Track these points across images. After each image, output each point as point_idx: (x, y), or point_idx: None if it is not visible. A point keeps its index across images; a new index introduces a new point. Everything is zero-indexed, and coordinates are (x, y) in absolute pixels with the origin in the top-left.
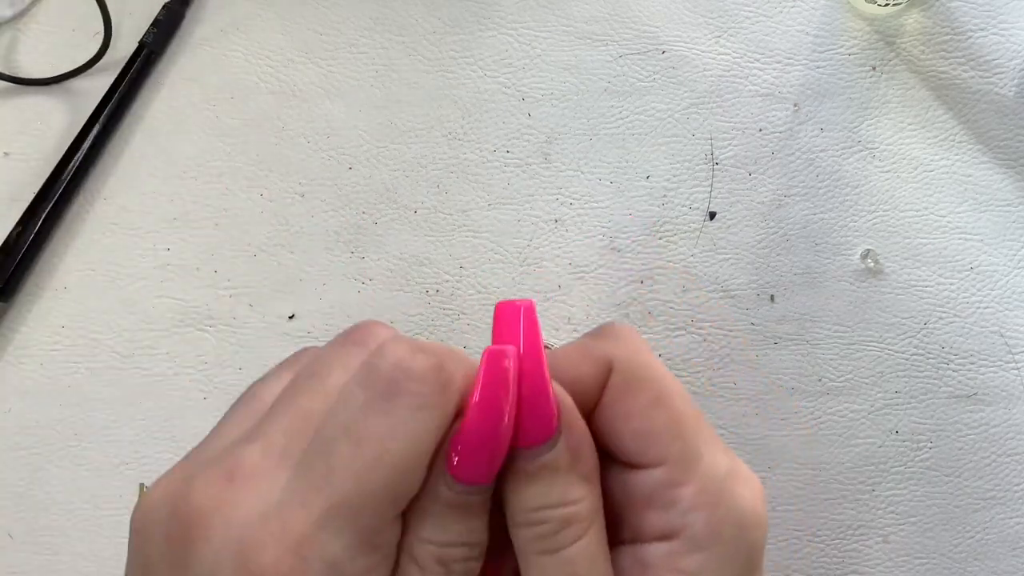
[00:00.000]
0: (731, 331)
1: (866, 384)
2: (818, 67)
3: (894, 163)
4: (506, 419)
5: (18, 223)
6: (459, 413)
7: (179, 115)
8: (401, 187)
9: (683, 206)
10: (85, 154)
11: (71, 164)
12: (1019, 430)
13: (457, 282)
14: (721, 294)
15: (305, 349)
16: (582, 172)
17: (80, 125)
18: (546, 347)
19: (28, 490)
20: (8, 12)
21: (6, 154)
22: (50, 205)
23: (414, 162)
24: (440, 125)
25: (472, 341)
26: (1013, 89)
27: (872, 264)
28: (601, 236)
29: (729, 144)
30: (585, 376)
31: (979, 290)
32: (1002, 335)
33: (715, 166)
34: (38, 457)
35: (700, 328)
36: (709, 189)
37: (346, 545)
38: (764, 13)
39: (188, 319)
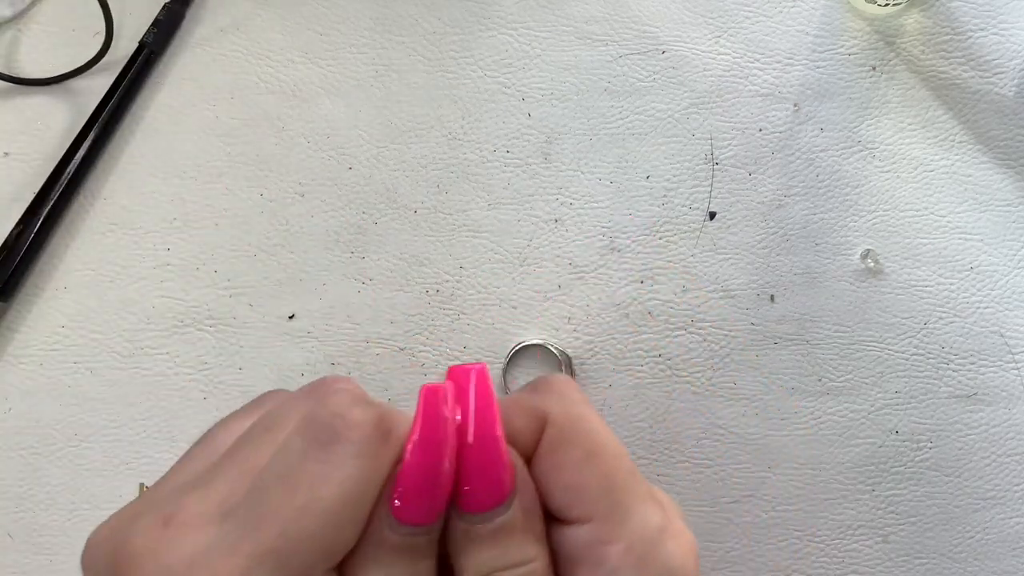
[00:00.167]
0: (731, 331)
1: (866, 384)
2: (818, 67)
3: (894, 163)
4: (446, 460)
5: (18, 223)
6: (398, 463)
7: (179, 115)
8: (401, 187)
9: (683, 206)
10: (85, 154)
11: (71, 164)
12: (1019, 430)
13: (457, 282)
14: (721, 294)
15: (272, 393)
16: (582, 172)
17: (80, 125)
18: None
19: (28, 490)
20: (8, 12)
21: (6, 154)
22: (50, 205)
23: (414, 162)
24: (440, 125)
25: (472, 341)
26: (1013, 89)
27: (872, 264)
28: (601, 236)
29: (729, 144)
30: (521, 430)
31: (979, 290)
32: (1002, 335)
33: (715, 166)
34: (38, 457)
35: (700, 328)
36: (709, 189)
37: None
38: (764, 13)
39: (188, 319)
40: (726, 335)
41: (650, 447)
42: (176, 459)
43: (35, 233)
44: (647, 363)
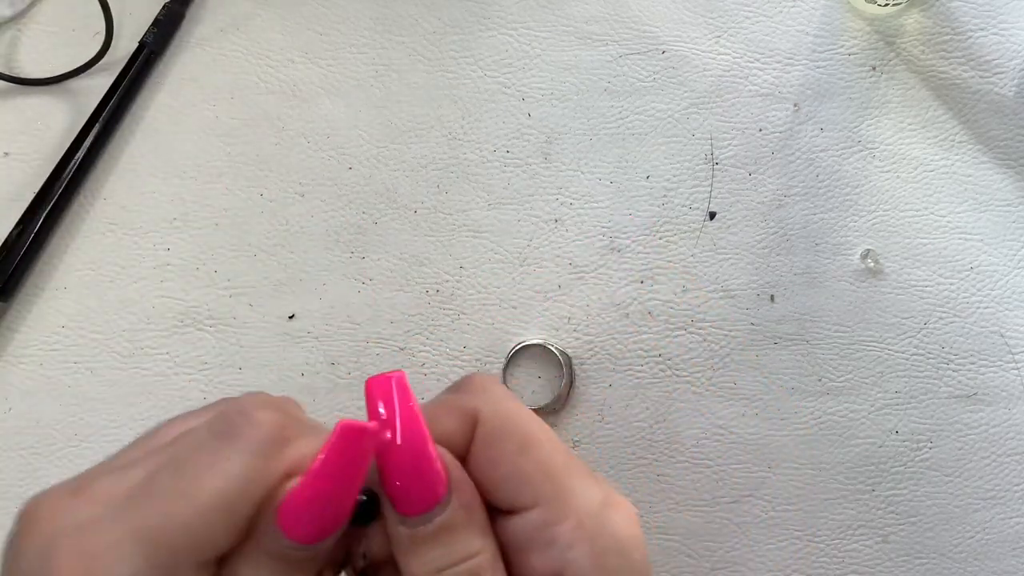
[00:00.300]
0: (731, 331)
1: (866, 384)
2: (818, 67)
3: (894, 163)
4: (348, 494)
5: (18, 223)
6: (292, 474)
7: (179, 115)
8: (401, 187)
9: (683, 206)
10: (85, 154)
11: (71, 164)
12: (1019, 430)
13: (457, 282)
14: (721, 294)
15: (224, 399)
16: (582, 172)
17: (80, 125)
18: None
19: (28, 490)
20: (8, 12)
21: (6, 154)
22: (50, 205)
23: (414, 162)
24: (440, 125)
25: (472, 341)
26: (1013, 89)
27: (872, 264)
28: (601, 236)
29: (729, 144)
30: (452, 431)
31: (979, 290)
32: (1002, 335)
33: (715, 166)
34: (38, 457)
35: (700, 328)
36: (709, 189)
37: (133, 572)
38: (764, 13)
39: (188, 319)
40: (726, 335)
41: (650, 447)
42: None
43: (35, 233)
44: (647, 363)
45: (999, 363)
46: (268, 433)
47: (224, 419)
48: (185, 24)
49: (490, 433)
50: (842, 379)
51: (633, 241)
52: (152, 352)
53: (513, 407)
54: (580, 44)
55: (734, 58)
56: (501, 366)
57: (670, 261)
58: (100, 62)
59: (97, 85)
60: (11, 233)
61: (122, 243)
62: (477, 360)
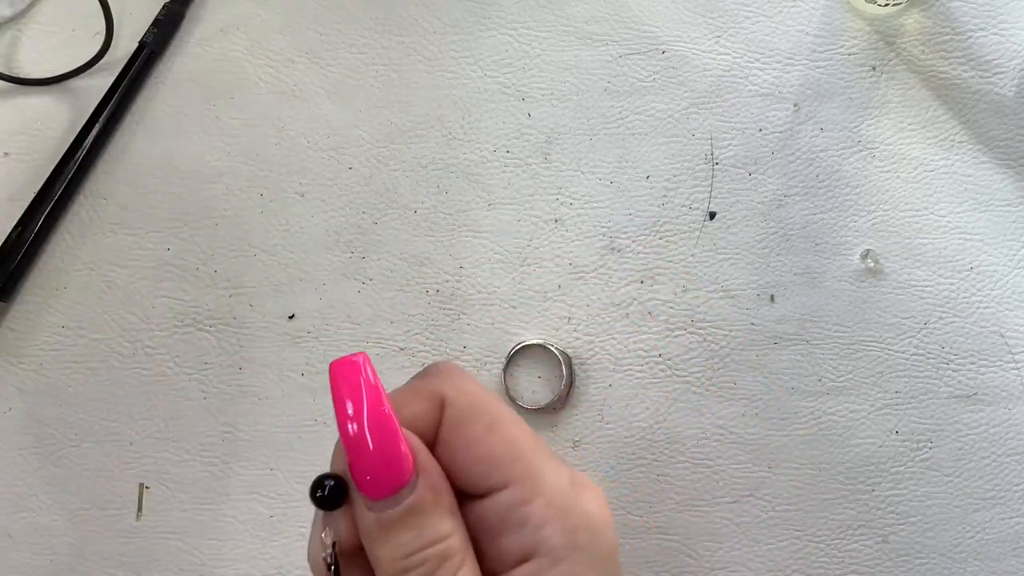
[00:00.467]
0: (731, 331)
1: (866, 384)
2: (818, 67)
3: (894, 163)
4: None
5: (18, 223)
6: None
7: (179, 115)
8: (401, 187)
9: (683, 206)
10: (85, 154)
11: (71, 164)
12: (1019, 430)
13: (457, 282)
14: (721, 294)
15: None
16: (582, 172)
17: (80, 125)
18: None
19: (28, 490)
20: (8, 12)
21: (6, 154)
22: (50, 205)
23: (414, 162)
24: (440, 125)
25: (472, 341)
26: (1013, 89)
27: (872, 264)
28: (601, 236)
29: (729, 144)
30: (420, 414)
31: (979, 290)
32: (1002, 335)
33: (715, 166)
34: (38, 457)
35: (700, 328)
36: (709, 189)
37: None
38: (764, 13)
39: (188, 319)
40: (726, 335)
41: (650, 447)
42: (177, 458)
43: (35, 233)
44: (647, 363)
45: (999, 363)
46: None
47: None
48: (185, 24)
49: (458, 415)
50: (842, 379)
51: (633, 241)
52: (152, 352)
53: (479, 390)
54: (580, 44)
55: (734, 58)
56: (501, 366)
57: (670, 261)
58: (100, 62)
59: (97, 85)
60: (11, 233)
61: (122, 243)
62: (477, 360)
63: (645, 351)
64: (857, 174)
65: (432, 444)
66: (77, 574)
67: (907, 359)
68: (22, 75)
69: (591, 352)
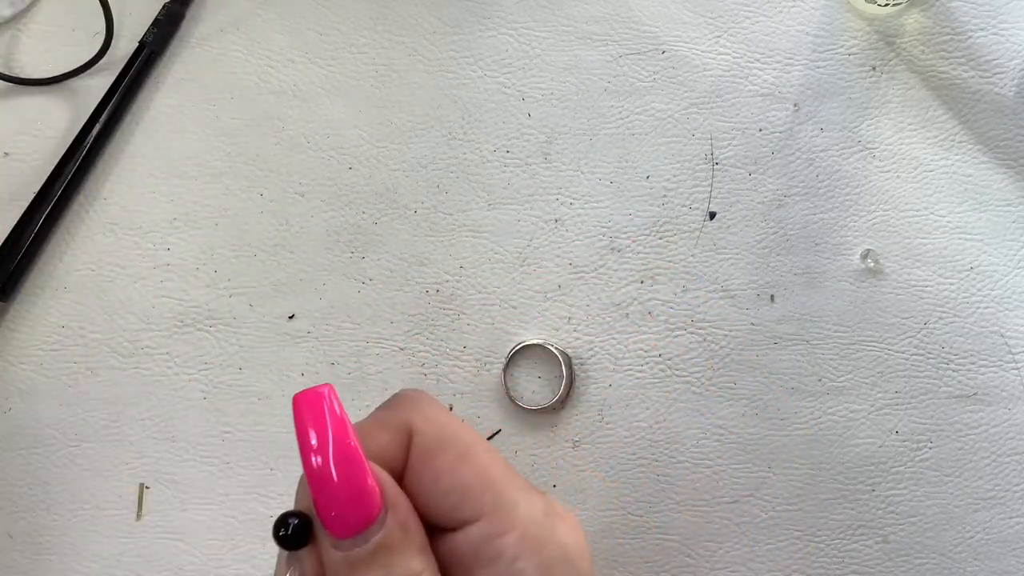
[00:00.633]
0: (731, 331)
1: (866, 384)
2: (818, 67)
3: (894, 163)
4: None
5: (18, 223)
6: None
7: (179, 115)
8: (401, 187)
9: (683, 206)
10: (85, 154)
11: (71, 164)
12: (1019, 430)
13: (457, 282)
14: (721, 294)
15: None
16: (582, 172)
17: (80, 125)
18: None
19: (28, 490)
20: (8, 12)
21: (6, 154)
22: (50, 205)
23: (414, 162)
24: (440, 125)
25: (472, 341)
26: (1013, 89)
27: (872, 264)
28: (601, 236)
29: (729, 144)
30: (387, 446)
31: (979, 290)
32: (1002, 335)
33: (715, 166)
34: (38, 457)
35: (700, 328)
36: (709, 189)
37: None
38: (764, 13)
39: (188, 319)
40: (726, 335)
41: (650, 447)
42: (176, 458)
43: (35, 233)
44: (647, 363)
45: (999, 363)
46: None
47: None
48: (185, 24)
49: (427, 445)
50: (842, 379)
51: (633, 241)
52: (152, 352)
53: (448, 418)
54: (580, 44)
55: (734, 58)
56: (501, 366)
57: (670, 261)
58: (100, 62)
59: (97, 85)
60: (11, 233)
61: (122, 243)
62: (477, 360)
63: (645, 351)
64: (857, 174)
65: (400, 476)
66: (77, 574)
67: (907, 359)
68: (22, 75)
69: (591, 352)
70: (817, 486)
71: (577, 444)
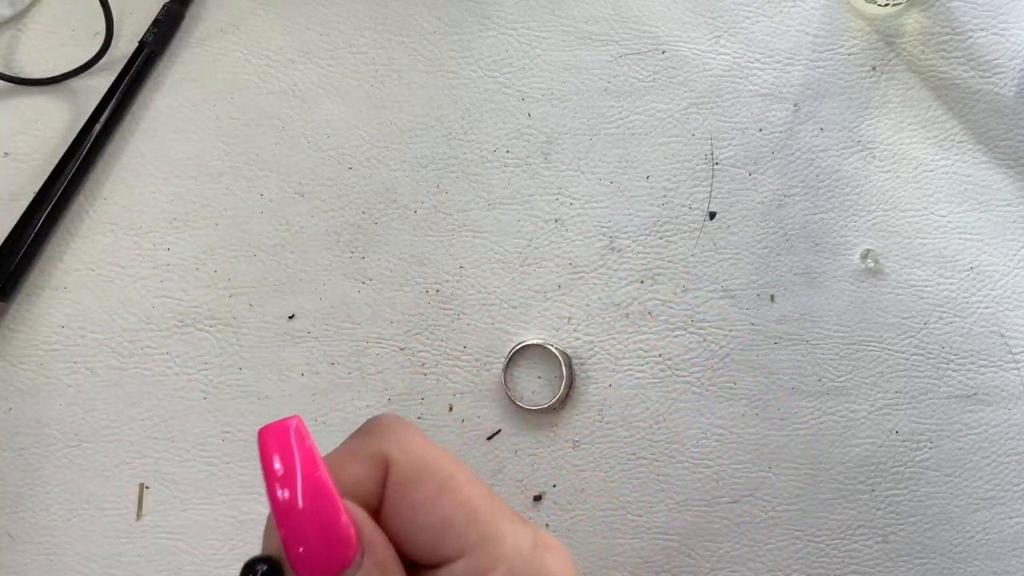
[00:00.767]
0: (731, 331)
1: (866, 384)
2: (818, 67)
3: (894, 163)
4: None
5: (18, 223)
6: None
7: (179, 115)
8: (401, 187)
9: (683, 206)
10: (85, 154)
11: (71, 164)
12: (1019, 430)
13: (457, 282)
14: (721, 294)
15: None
16: (582, 172)
17: (80, 125)
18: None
19: (28, 490)
20: (8, 12)
21: (6, 154)
22: (50, 205)
23: (414, 162)
24: (440, 125)
25: (472, 341)
26: (1013, 89)
27: (872, 264)
28: (601, 236)
29: (729, 144)
30: (361, 479)
31: (979, 290)
32: (1002, 335)
33: (715, 166)
34: (38, 457)
35: (700, 328)
36: (709, 189)
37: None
38: (764, 13)
39: (188, 319)
40: (726, 335)
41: (650, 447)
42: (176, 459)
43: (35, 233)
44: (647, 363)
45: (999, 363)
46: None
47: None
48: (185, 24)
49: (404, 476)
50: (842, 379)
51: (633, 241)
52: (152, 352)
53: (427, 446)
54: (580, 44)
55: (734, 58)
56: (501, 366)
57: (670, 261)
58: (100, 62)
59: (97, 85)
60: (11, 233)
61: (122, 243)
62: (477, 360)
63: (645, 351)
64: (857, 174)
65: (377, 511)
66: (77, 574)
67: (907, 359)
68: (22, 75)
69: (591, 352)
70: (817, 486)
71: (577, 444)
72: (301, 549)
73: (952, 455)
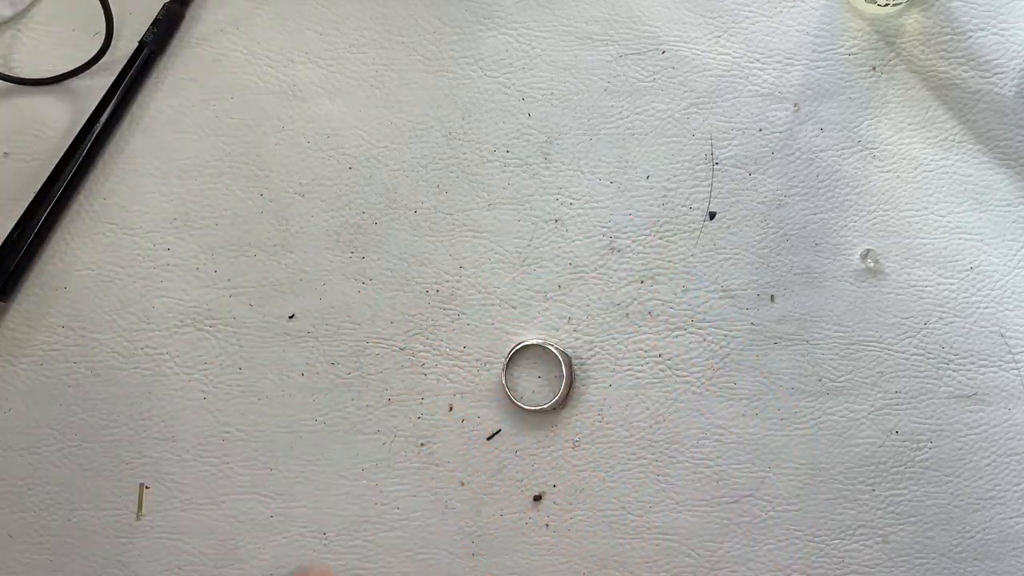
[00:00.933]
0: (731, 331)
1: (866, 384)
2: (818, 67)
3: (894, 163)
4: None
5: (18, 223)
6: None
7: (179, 115)
8: (401, 187)
9: (683, 206)
10: (85, 154)
11: (71, 164)
12: (1019, 430)
13: (457, 282)
14: (721, 294)
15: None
16: (582, 172)
17: (80, 125)
18: None
19: (28, 490)
20: (8, 12)
21: (6, 154)
22: (50, 205)
23: (414, 162)
24: (440, 125)
25: (472, 341)
26: (1013, 89)
27: (872, 264)
28: (601, 236)
29: (729, 144)
30: None
31: (979, 290)
32: (1002, 335)
33: (715, 166)
34: (38, 457)
35: (700, 328)
36: (709, 189)
37: None
38: (764, 13)
39: (188, 319)
40: (726, 335)
41: (650, 447)
42: (176, 459)
43: (35, 233)
44: (647, 363)
45: (999, 363)
46: None
47: None
48: (185, 24)
49: None
50: (842, 379)
51: (633, 241)
52: (152, 352)
53: None
54: (580, 44)
55: (734, 58)
56: (501, 366)
57: (670, 261)
58: (100, 62)
59: (97, 85)
60: (11, 233)
61: (122, 243)
62: (477, 360)
63: (645, 351)
64: (857, 174)
65: None
66: (77, 574)
67: (907, 359)
68: (22, 75)
69: (591, 352)
70: (817, 486)
71: (577, 444)
72: None
73: (952, 455)
